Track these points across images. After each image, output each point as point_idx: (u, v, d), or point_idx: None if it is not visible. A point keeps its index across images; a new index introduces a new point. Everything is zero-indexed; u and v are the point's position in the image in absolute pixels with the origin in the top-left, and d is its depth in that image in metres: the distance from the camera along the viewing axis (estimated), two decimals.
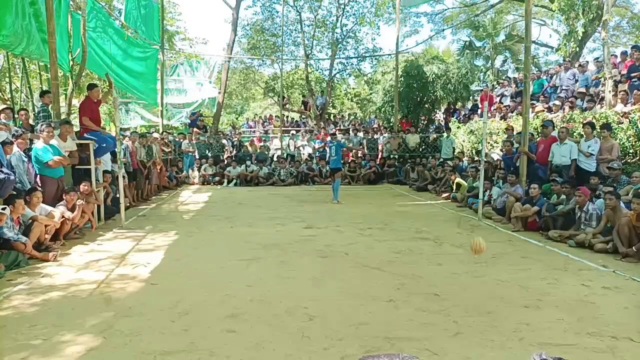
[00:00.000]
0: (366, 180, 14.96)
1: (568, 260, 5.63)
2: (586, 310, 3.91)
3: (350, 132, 18.37)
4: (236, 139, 17.50)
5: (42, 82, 13.85)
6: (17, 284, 4.62)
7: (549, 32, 44.31)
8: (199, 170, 14.80)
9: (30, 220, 5.68)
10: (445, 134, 14.98)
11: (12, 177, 5.60)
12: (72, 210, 6.52)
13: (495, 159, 11.23)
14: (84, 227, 7.05)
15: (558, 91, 13.04)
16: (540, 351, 1.23)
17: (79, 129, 8.67)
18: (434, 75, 16.12)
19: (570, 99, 11.78)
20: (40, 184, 6.52)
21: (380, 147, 16.65)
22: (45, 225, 5.85)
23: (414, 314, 3.86)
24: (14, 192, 5.69)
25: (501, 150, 10.78)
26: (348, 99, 27.78)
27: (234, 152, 16.60)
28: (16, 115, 10.88)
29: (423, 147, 15.83)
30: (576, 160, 8.23)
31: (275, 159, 16.28)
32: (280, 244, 6.41)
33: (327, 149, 12.28)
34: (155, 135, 13.70)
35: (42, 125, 6.70)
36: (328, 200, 11.14)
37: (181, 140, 15.99)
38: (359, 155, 16.16)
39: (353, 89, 28.09)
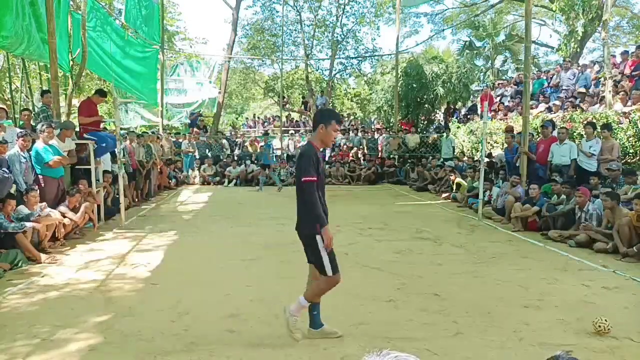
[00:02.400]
0: (366, 180, 14.96)
1: (568, 260, 5.63)
2: (586, 310, 3.91)
3: (350, 132, 18.36)
4: (240, 138, 17.50)
5: (42, 82, 13.86)
6: (17, 284, 4.62)
7: (549, 32, 44.31)
8: (198, 170, 14.80)
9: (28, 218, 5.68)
10: (445, 134, 14.98)
11: (9, 177, 5.59)
12: (73, 210, 6.53)
13: (501, 160, 11.20)
14: (84, 227, 7.05)
15: (558, 91, 13.05)
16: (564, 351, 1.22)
17: (78, 129, 8.69)
18: (433, 75, 16.11)
19: (570, 99, 11.78)
20: (40, 184, 6.51)
21: (379, 147, 16.66)
22: (47, 226, 5.86)
23: (414, 314, 3.86)
24: (12, 192, 5.71)
25: (504, 146, 10.77)
26: (348, 99, 27.77)
27: (236, 151, 16.60)
28: (17, 115, 10.90)
29: (423, 147, 15.83)
30: (576, 160, 8.22)
31: (273, 159, 16.29)
32: (280, 244, 6.41)
33: (265, 148, 14.62)
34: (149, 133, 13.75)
35: (42, 125, 6.70)
36: (328, 200, 11.14)
37: (180, 140, 16.00)
38: (359, 155, 16.16)
39: (353, 89, 28.09)
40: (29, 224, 5.46)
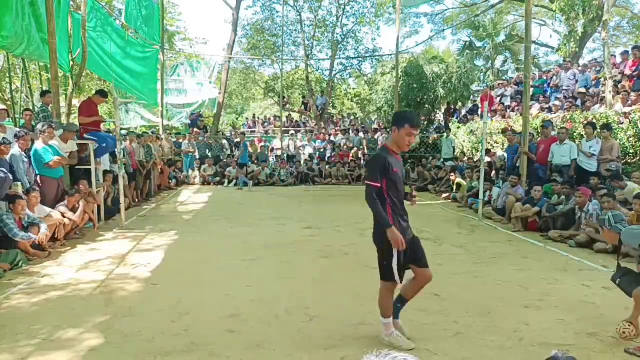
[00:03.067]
0: None
1: (568, 260, 5.63)
2: (586, 310, 3.91)
3: (350, 132, 18.36)
4: (238, 139, 17.50)
5: (42, 82, 13.86)
6: (17, 284, 4.62)
7: (549, 32, 44.31)
8: (198, 170, 14.80)
9: (32, 222, 5.69)
10: (445, 134, 14.96)
11: (9, 177, 5.59)
12: (72, 210, 6.53)
13: (500, 159, 11.20)
14: (84, 227, 7.05)
15: (558, 91, 13.05)
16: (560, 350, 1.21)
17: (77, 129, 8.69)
18: (434, 75, 16.09)
19: (570, 99, 11.78)
20: (39, 184, 6.51)
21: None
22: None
23: (414, 314, 3.85)
24: (17, 193, 5.71)
25: (504, 146, 10.80)
26: (348, 99, 27.78)
27: (236, 151, 16.59)
28: (17, 115, 10.89)
29: (423, 147, 15.81)
30: (576, 160, 8.22)
31: (273, 159, 16.31)
32: (280, 244, 6.41)
33: (242, 147, 15.16)
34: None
35: (43, 125, 6.69)
36: (328, 200, 11.17)
37: (180, 140, 16.01)
38: (359, 155, 16.16)
39: (353, 89, 28.09)
40: (34, 236, 5.47)
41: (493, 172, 10.67)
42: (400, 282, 3.20)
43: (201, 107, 19.81)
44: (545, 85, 14.25)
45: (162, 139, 13.86)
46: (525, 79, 9.18)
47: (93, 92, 11.56)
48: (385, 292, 3.24)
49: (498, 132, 12.77)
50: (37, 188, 6.22)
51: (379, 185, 3.11)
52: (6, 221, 5.24)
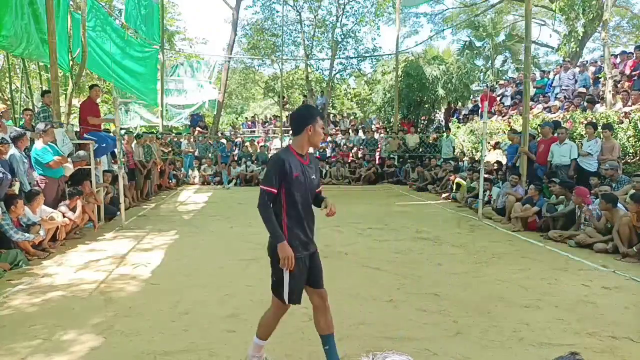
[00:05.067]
0: (366, 181, 14.96)
1: (568, 260, 5.63)
2: (586, 310, 3.91)
3: (350, 132, 18.36)
4: (239, 139, 17.53)
5: (42, 82, 13.86)
6: (17, 284, 4.62)
7: (549, 32, 44.35)
8: (198, 170, 14.81)
9: (32, 223, 5.69)
10: (445, 134, 14.96)
11: (7, 176, 5.59)
12: (73, 210, 6.53)
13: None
14: (84, 227, 7.05)
15: (558, 91, 13.04)
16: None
17: (78, 129, 8.70)
18: (434, 77, 16.10)
19: (570, 99, 11.78)
20: (40, 185, 6.50)
21: (379, 147, 16.65)
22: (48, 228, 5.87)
23: (414, 314, 3.86)
24: (16, 194, 5.71)
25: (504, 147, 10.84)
26: (348, 99, 27.78)
27: (236, 151, 16.60)
28: (17, 115, 10.88)
29: (423, 147, 15.80)
30: (576, 160, 8.22)
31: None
32: None
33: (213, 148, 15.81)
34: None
35: (45, 125, 6.68)
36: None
37: (180, 140, 16.03)
38: (360, 155, 16.16)
39: (353, 89, 28.09)
40: (31, 237, 5.47)
41: (494, 173, 10.66)
42: (289, 303, 2.79)
43: (201, 108, 19.83)
44: (547, 85, 14.23)
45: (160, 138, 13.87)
46: (525, 78, 9.18)
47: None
48: (273, 311, 2.86)
49: (498, 132, 12.77)
50: (39, 189, 6.21)
51: (274, 190, 2.69)
52: (1, 222, 5.24)
